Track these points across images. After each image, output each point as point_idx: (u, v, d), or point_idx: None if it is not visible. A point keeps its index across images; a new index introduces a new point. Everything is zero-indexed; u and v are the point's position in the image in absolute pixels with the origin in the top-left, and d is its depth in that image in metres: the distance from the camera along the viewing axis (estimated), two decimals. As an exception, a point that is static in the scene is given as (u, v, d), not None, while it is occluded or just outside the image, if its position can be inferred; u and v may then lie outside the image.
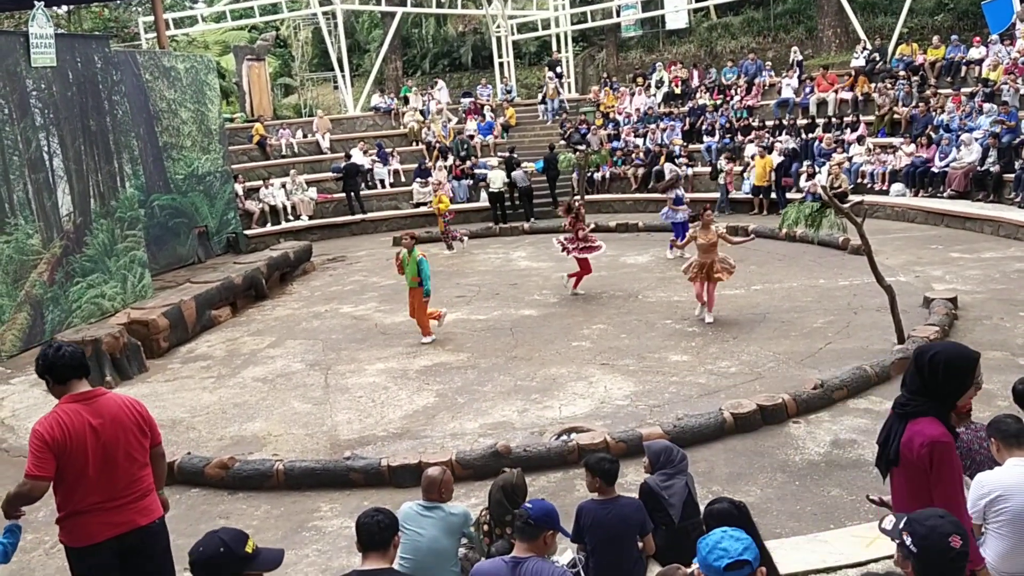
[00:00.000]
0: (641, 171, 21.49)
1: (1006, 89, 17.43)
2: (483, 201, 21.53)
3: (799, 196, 17.04)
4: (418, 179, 21.78)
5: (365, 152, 22.72)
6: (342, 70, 26.00)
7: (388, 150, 23.16)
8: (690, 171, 20.63)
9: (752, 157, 19.45)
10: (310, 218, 21.16)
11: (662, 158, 21.00)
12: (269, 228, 20.46)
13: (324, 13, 25.74)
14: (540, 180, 21.41)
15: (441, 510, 4.79)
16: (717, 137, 21.43)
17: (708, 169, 20.72)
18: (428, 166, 22.41)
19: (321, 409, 9.18)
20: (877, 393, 8.19)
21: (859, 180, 18.47)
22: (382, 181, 22.55)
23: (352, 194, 21.48)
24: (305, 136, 23.57)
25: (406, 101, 25.11)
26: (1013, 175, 15.74)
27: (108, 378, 10.28)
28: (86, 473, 4.15)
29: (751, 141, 20.25)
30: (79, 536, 4.23)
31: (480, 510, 5.26)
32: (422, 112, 24.47)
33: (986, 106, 17.29)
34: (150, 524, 4.38)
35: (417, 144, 23.78)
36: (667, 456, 5.06)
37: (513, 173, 20.41)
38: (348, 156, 22.27)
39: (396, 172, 22.64)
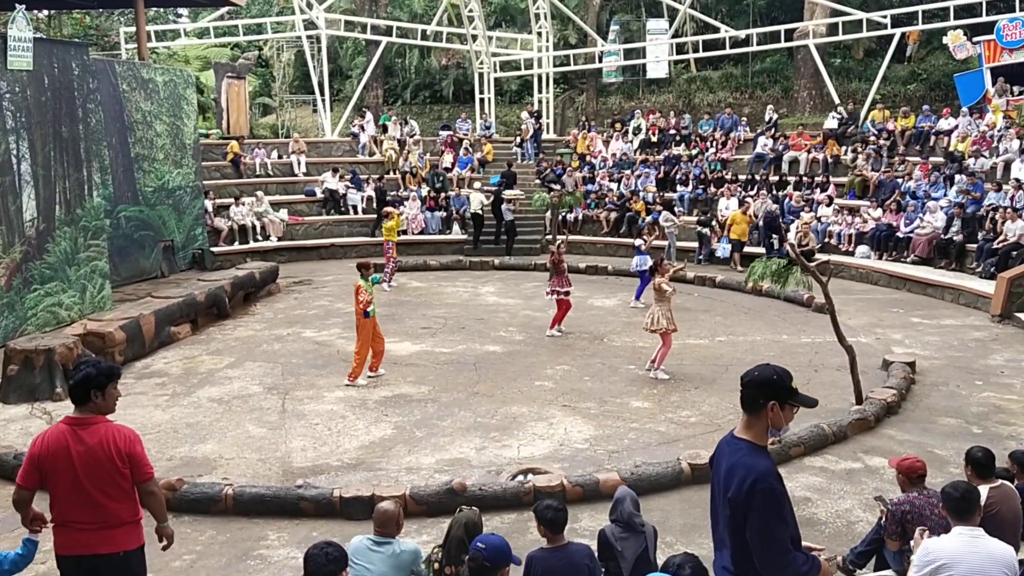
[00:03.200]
0: (614, 215, 21.68)
1: (973, 161, 17.88)
2: (455, 234, 21.72)
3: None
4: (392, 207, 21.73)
5: (340, 177, 22.67)
6: (322, 94, 26.05)
7: (363, 177, 23.15)
8: (679, 219, 20.15)
9: (731, 208, 19.30)
10: (279, 239, 21.00)
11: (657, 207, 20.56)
12: (237, 247, 20.25)
13: (308, 37, 25.83)
14: (523, 216, 21.51)
15: (391, 545, 4.70)
16: (691, 187, 21.69)
17: (693, 218, 20.30)
18: (403, 195, 22.43)
19: (276, 434, 9.02)
20: (833, 452, 8.19)
21: (826, 240, 18.75)
22: (355, 207, 22.51)
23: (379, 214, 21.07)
24: (280, 157, 23.48)
25: (384, 129, 25.16)
26: (975, 245, 16.07)
27: (59, 389, 10.04)
28: (60, 490, 4.43)
29: (723, 195, 20.41)
30: (55, 544, 4.52)
31: (432, 547, 5.17)
32: (399, 141, 24.53)
33: (957, 177, 17.66)
34: (112, 554, 4.46)
35: (393, 172, 23.80)
36: (620, 511, 5.03)
37: (502, 207, 20.60)
38: (381, 177, 22.86)
39: (370, 199, 22.58)
